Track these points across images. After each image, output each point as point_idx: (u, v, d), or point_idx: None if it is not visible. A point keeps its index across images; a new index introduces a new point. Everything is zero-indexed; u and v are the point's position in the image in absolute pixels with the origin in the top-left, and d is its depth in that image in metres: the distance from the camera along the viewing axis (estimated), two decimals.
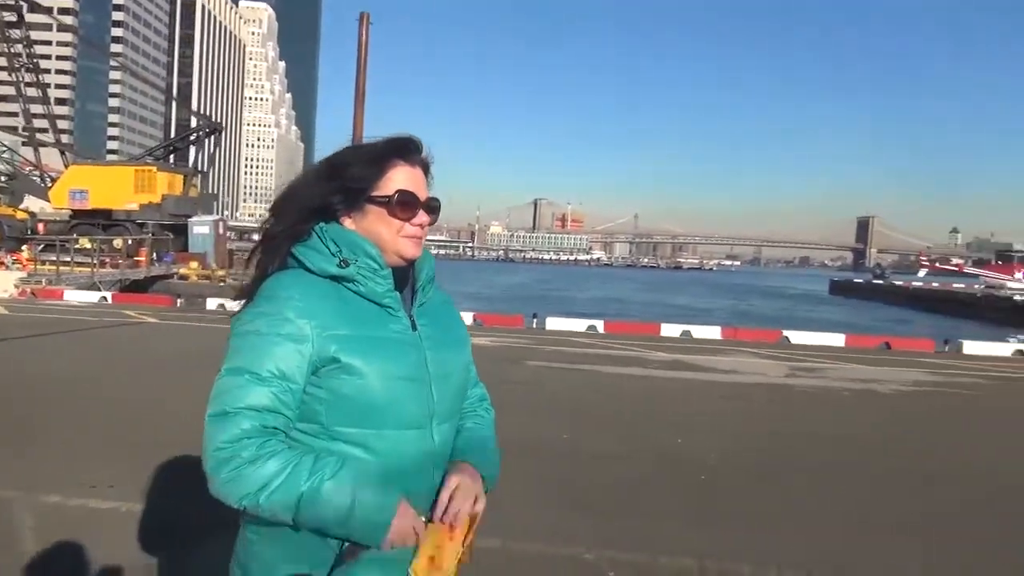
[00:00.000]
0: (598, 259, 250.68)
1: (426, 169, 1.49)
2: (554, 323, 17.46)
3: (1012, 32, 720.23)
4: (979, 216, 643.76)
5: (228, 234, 37.80)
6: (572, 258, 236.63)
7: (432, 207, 1.47)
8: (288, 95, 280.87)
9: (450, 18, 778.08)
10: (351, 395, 1.34)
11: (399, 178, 1.42)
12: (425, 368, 1.42)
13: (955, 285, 65.02)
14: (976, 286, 62.17)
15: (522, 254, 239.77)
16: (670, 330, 16.75)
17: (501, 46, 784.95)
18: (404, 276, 1.48)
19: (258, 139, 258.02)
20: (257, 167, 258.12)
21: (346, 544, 1.32)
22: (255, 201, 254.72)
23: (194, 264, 29.61)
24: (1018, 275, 62.60)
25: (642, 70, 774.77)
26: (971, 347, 16.07)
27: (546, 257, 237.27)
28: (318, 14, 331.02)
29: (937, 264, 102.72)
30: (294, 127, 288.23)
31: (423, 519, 1.37)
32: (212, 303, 18.74)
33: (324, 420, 1.35)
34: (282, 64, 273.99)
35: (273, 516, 1.28)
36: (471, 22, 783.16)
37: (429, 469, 1.42)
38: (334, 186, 1.43)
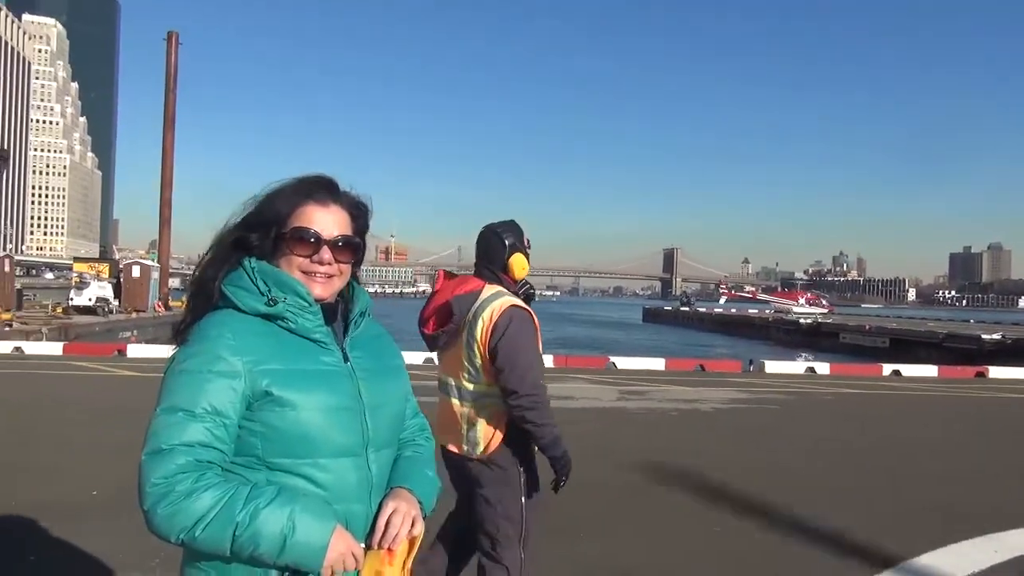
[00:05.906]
0: (424, 291, 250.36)
1: (352, 207, 1.50)
2: None
3: (801, 79, 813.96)
4: (765, 247, 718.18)
5: (15, 271, 33.91)
6: (398, 291, 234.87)
7: (343, 244, 1.46)
8: (82, 119, 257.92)
9: (258, 46, 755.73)
10: (284, 427, 1.35)
11: (303, 217, 1.44)
12: (358, 398, 1.43)
13: (750, 311, 71.85)
14: (767, 311, 69.05)
15: None
16: None
17: (309, 75, 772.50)
18: (334, 310, 1.50)
19: (48, 166, 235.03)
20: (46, 196, 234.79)
21: (286, 574, 1.33)
22: (44, 234, 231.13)
23: None
24: (801, 300, 70.33)
25: (455, 104, 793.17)
26: (772, 366, 17.84)
27: (371, 291, 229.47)
28: (116, 32, 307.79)
29: (734, 292, 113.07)
30: (90, 153, 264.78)
31: (362, 545, 1.38)
32: (6, 346, 16.72)
33: (260, 452, 1.36)
34: (74, 85, 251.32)
35: (211, 548, 1.27)
36: (278, 51, 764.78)
37: (366, 497, 1.43)
38: (255, 231, 1.44)
